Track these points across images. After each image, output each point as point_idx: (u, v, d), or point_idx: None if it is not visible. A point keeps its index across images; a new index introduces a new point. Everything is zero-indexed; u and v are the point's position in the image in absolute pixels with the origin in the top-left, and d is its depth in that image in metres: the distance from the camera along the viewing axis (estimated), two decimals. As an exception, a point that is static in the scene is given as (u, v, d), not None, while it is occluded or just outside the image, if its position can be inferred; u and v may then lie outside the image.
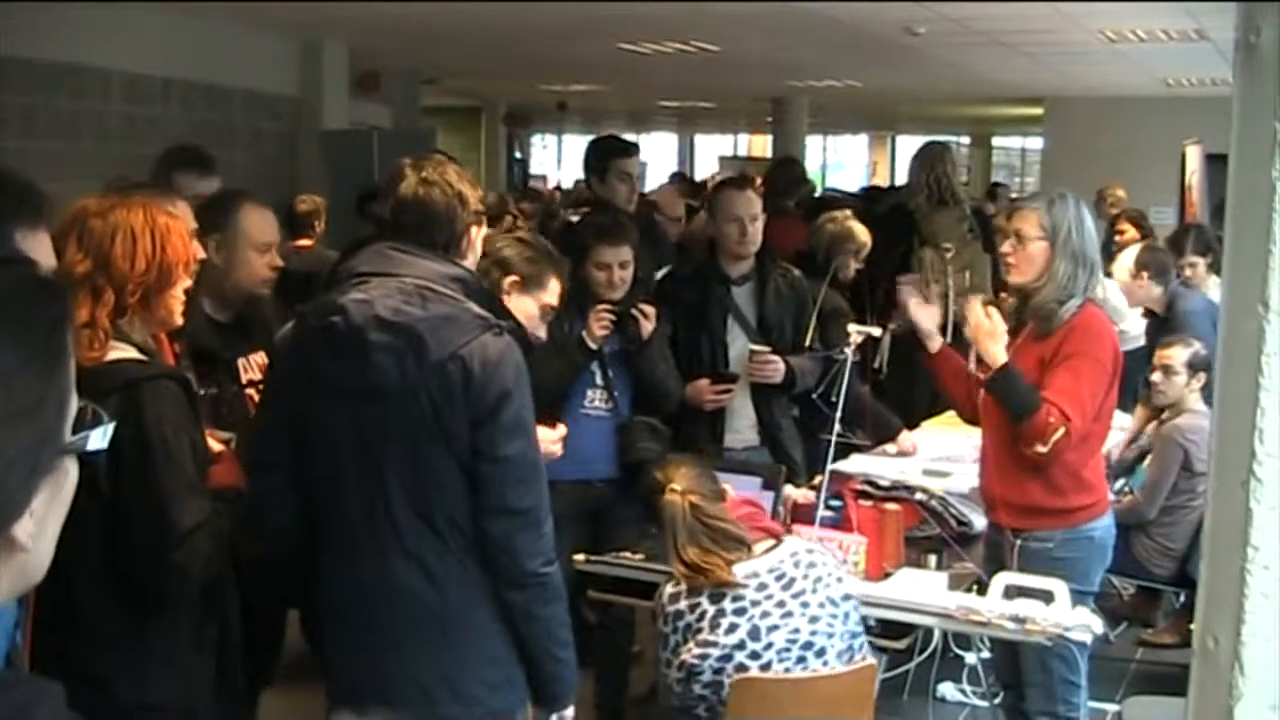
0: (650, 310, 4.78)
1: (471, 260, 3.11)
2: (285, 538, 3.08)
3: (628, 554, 4.31)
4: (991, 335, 4.14)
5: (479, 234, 3.12)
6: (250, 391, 3.68)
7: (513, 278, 3.80)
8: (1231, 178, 1.70)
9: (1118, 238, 8.89)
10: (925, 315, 4.44)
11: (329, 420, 2.94)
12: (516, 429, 2.90)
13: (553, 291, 3.85)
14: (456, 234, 3.04)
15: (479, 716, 2.97)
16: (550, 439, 3.53)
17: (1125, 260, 6.95)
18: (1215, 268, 7.66)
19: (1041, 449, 3.98)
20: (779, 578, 3.40)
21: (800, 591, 3.40)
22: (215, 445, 3.09)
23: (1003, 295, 5.03)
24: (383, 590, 2.92)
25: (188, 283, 2.98)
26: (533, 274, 3.82)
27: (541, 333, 3.84)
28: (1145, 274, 6.82)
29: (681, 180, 13.86)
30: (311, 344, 2.97)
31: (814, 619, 3.39)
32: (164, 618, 2.86)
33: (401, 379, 2.85)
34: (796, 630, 3.37)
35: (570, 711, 3.17)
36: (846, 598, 3.50)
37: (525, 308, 3.72)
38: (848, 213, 6.66)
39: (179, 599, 2.86)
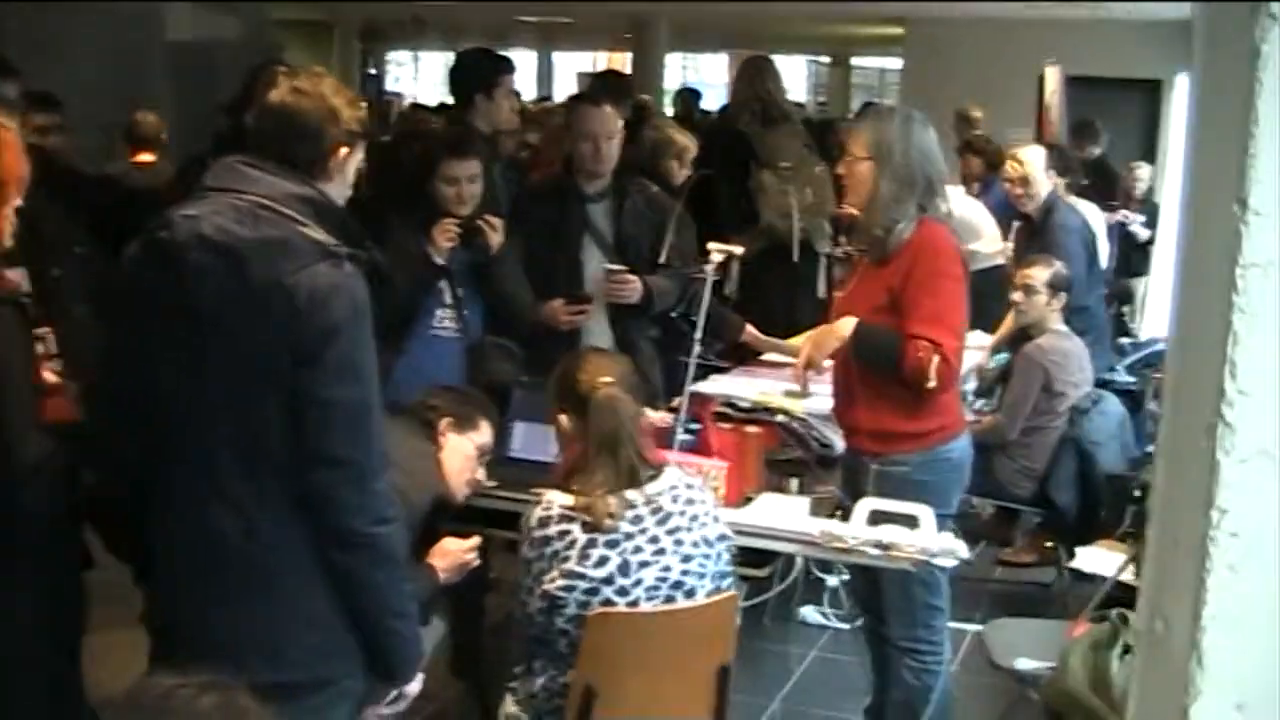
0: (497, 222, 4.63)
1: (338, 184, 2.84)
2: (130, 474, 2.84)
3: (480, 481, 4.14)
4: (819, 344, 4.09)
5: (351, 158, 2.85)
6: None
7: (447, 419, 3.60)
8: (1199, 48, 1.44)
9: (964, 169, 8.85)
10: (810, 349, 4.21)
11: (155, 347, 2.72)
12: (345, 371, 2.66)
13: (485, 432, 3.68)
14: (322, 150, 2.78)
15: (299, 682, 2.73)
16: (462, 548, 3.48)
17: (1035, 157, 6.84)
18: (1074, 188, 7.69)
19: (930, 384, 3.88)
20: (655, 511, 3.24)
21: (676, 528, 3.25)
22: (49, 376, 2.87)
23: (843, 208, 4.89)
24: (200, 538, 2.70)
25: (18, 201, 2.74)
26: (464, 414, 3.64)
27: (481, 474, 3.69)
28: (1054, 172, 6.79)
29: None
30: (139, 263, 2.73)
31: (686, 558, 3.25)
32: None
33: (219, 305, 2.62)
34: (668, 569, 3.22)
35: (415, 686, 2.99)
36: (722, 538, 3.35)
37: (462, 448, 3.59)
38: (667, 119, 6.56)
39: (23, 541, 2.64)
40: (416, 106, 14.50)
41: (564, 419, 3.37)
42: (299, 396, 2.64)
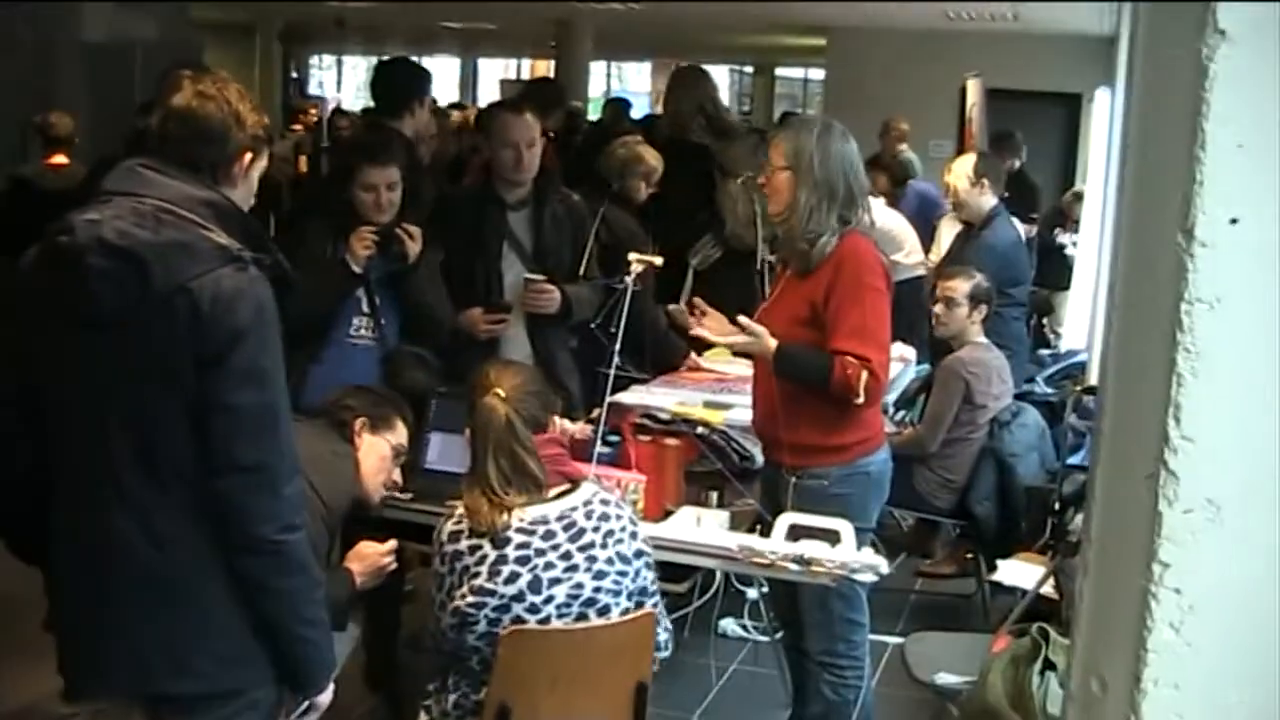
0: (415, 231, 4.56)
1: (243, 190, 2.80)
2: (22, 483, 2.77)
3: (395, 493, 4.06)
4: (742, 345, 4.05)
5: (255, 164, 2.81)
6: None
7: (361, 419, 3.56)
8: (1138, 64, 1.36)
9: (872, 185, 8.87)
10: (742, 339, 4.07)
11: (54, 351, 2.67)
12: (250, 376, 2.62)
13: (400, 432, 3.66)
14: (226, 155, 2.74)
15: (204, 694, 2.69)
16: (380, 550, 3.45)
17: (963, 167, 6.86)
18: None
19: (858, 400, 3.86)
20: (568, 527, 3.18)
21: (589, 544, 3.19)
22: None
23: None
24: (101, 546, 2.64)
25: None
26: (380, 414, 3.61)
27: (396, 475, 3.68)
28: (985, 181, 6.80)
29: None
30: (41, 266, 2.67)
31: (599, 574, 3.19)
32: None
33: (120, 309, 2.57)
34: (580, 586, 3.16)
35: (326, 696, 2.91)
36: (639, 554, 3.29)
37: (379, 448, 3.57)
38: (638, 137, 6.67)
39: None
40: (339, 112, 14.42)
41: (468, 429, 3.32)
42: (204, 402, 2.60)
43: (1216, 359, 1.26)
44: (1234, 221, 1.26)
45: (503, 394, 3.24)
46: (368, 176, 4.53)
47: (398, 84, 5.87)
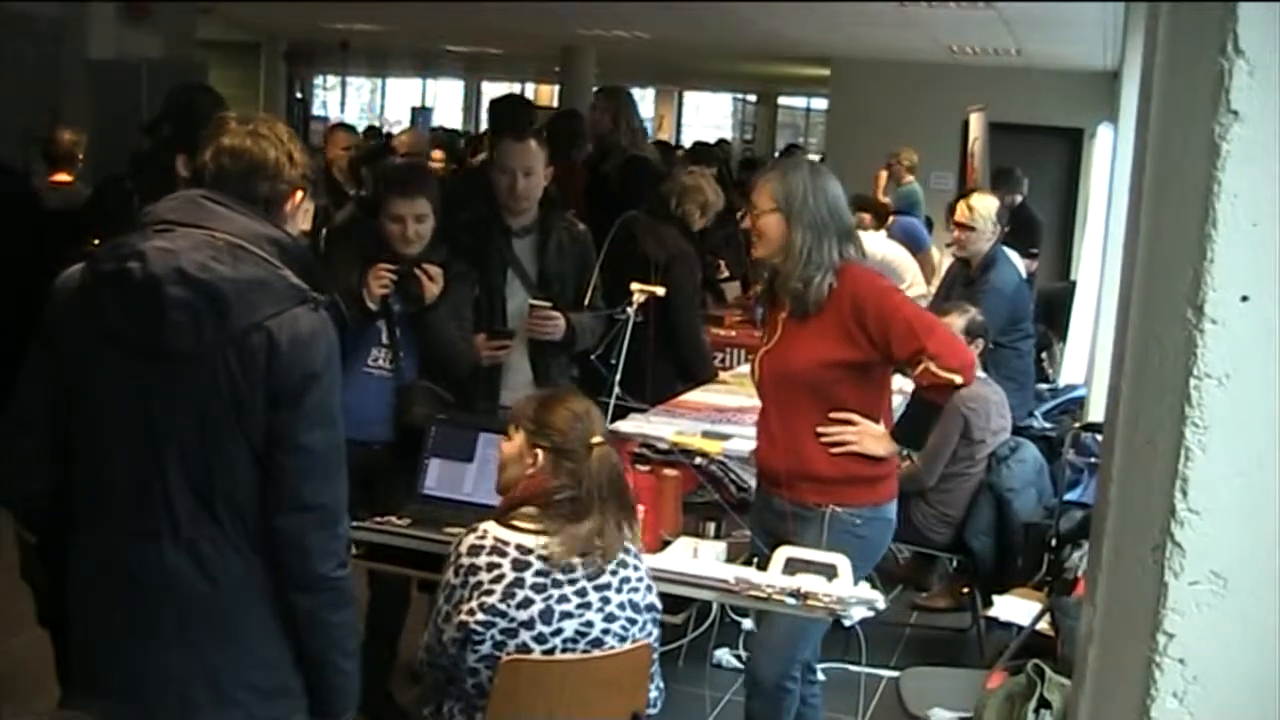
0: (436, 271, 4.54)
1: (292, 229, 2.82)
2: (43, 508, 2.78)
3: (393, 519, 4.07)
4: (870, 435, 4.02)
5: (304, 203, 2.84)
6: None
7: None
8: (1151, 142, 1.36)
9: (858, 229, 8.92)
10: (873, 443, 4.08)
11: (107, 379, 2.64)
12: (321, 416, 2.65)
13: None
14: (280, 192, 2.76)
15: None
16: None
17: (988, 209, 6.90)
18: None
19: (959, 381, 3.91)
20: (588, 565, 3.19)
21: (605, 585, 3.20)
22: None
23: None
24: (147, 575, 2.63)
25: None
26: None
27: None
28: (1000, 222, 6.88)
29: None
30: (99, 291, 2.63)
31: (610, 617, 3.20)
32: None
33: (197, 343, 2.57)
34: (589, 624, 3.17)
35: None
36: (650, 608, 3.31)
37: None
38: (704, 170, 7.00)
39: None
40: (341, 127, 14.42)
41: (533, 451, 3.29)
42: (273, 440, 2.61)
43: (1224, 434, 1.27)
44: (1245, 299, 1.27)
45: (601, 439, 3.27)
46: (395, 208, 4.53)
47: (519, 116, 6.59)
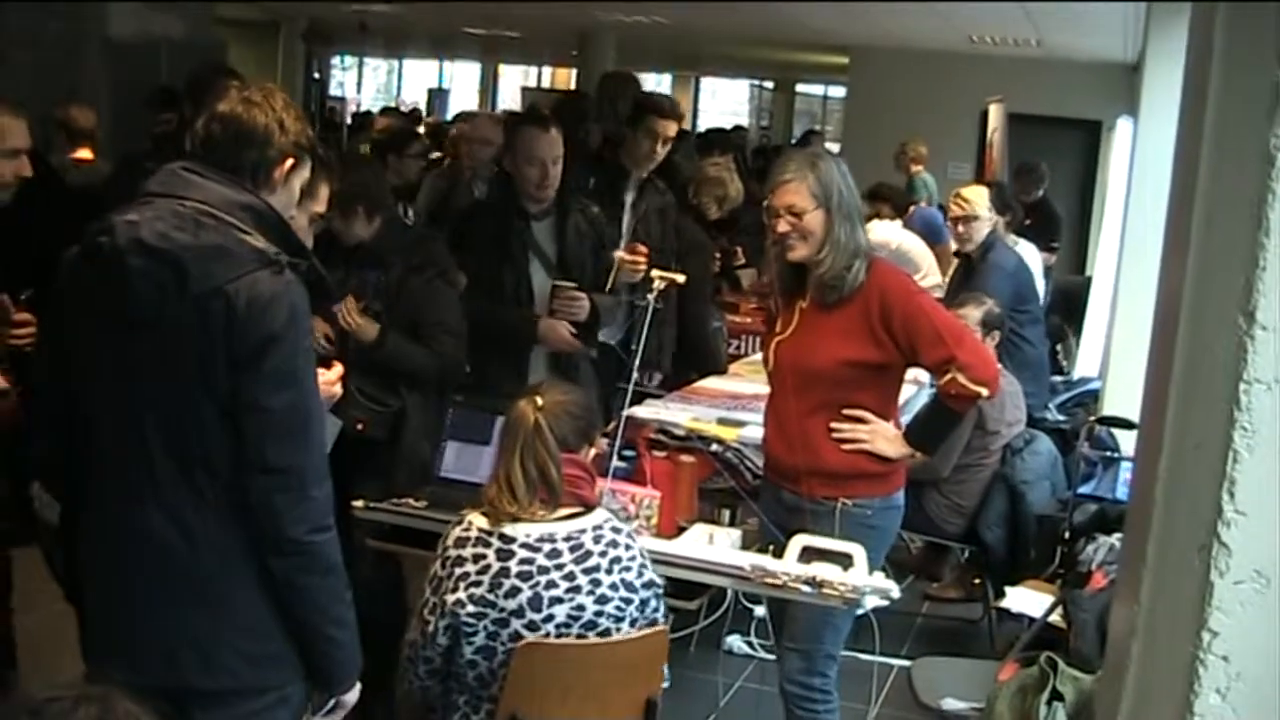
0: (366, 324, 4.44)
1: (283, 197, 2.83)
2: (53, 472, 2.86)
3: (411, 501, 4.09)
4: (882, 436, 4.00)
5: (296, 171, 2.85)
6: None
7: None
8: (1206, 150, 1.34)
9: (875, 219, 8.87)
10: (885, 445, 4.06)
11: (89, 349, 2.72)
12: (283, 379, 2.66)
13: (322, 199, 3.53)
14: (268, 160, 2.78)
15: (231, 689, 2.73)
16: (328, 379, 3.31)
17: (981, 198, 6.89)
18: (1013, 226, 7.74)
19: (985, 393, 3.90)
20: (574, 548, 3.20)
21: (594, 568, 3.20)
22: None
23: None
24: (134, 540, 2.69)
25: None
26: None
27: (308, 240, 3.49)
28: (994, 211, 6.89)
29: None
30: (78, 265, 2.73)
31: (602, 599, 3.20)
32: None
33: (159, 310, 2.62)
34: (581, 607, 3.17)
35: (353, 695, 2.93)
36: (648, 585, 3.30)
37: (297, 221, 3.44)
38: (730, 164, 7.10)
39: None
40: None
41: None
42: (237, 403, 2.64)
43: (1272, 438, 1.29)
44: (1295, 306, 1.27)
45: (540, 403, 3.26)
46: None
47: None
